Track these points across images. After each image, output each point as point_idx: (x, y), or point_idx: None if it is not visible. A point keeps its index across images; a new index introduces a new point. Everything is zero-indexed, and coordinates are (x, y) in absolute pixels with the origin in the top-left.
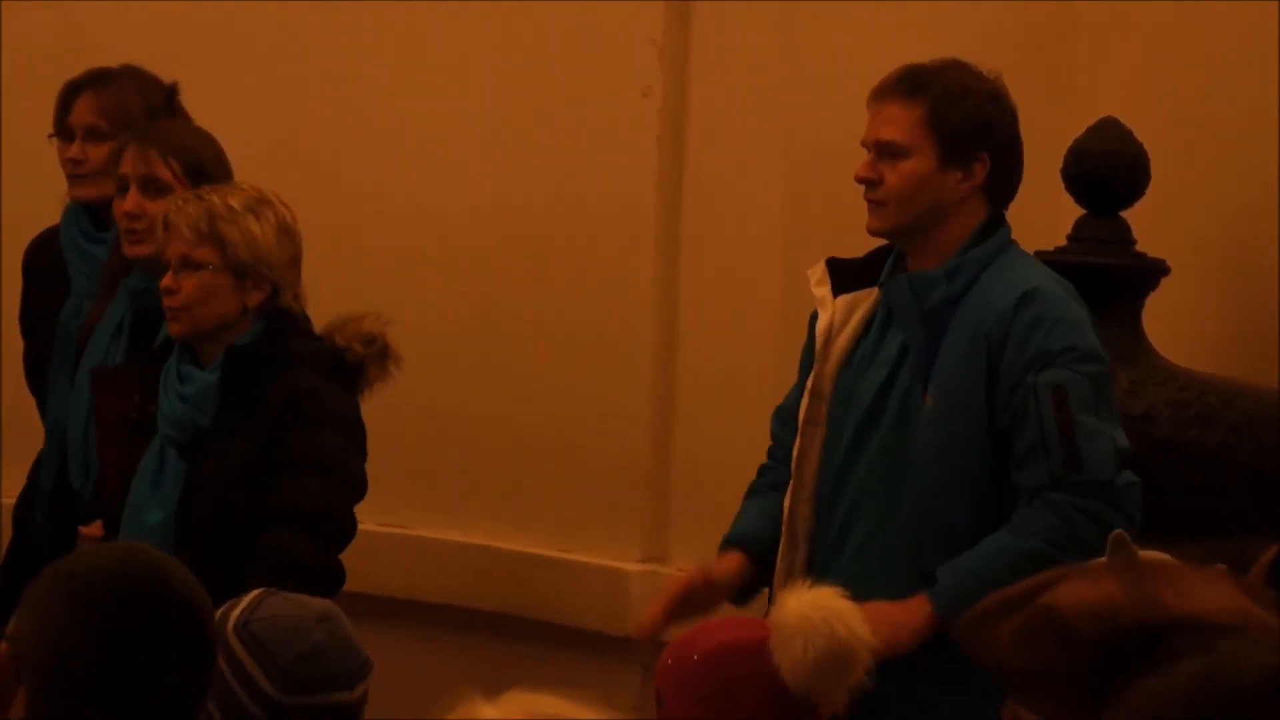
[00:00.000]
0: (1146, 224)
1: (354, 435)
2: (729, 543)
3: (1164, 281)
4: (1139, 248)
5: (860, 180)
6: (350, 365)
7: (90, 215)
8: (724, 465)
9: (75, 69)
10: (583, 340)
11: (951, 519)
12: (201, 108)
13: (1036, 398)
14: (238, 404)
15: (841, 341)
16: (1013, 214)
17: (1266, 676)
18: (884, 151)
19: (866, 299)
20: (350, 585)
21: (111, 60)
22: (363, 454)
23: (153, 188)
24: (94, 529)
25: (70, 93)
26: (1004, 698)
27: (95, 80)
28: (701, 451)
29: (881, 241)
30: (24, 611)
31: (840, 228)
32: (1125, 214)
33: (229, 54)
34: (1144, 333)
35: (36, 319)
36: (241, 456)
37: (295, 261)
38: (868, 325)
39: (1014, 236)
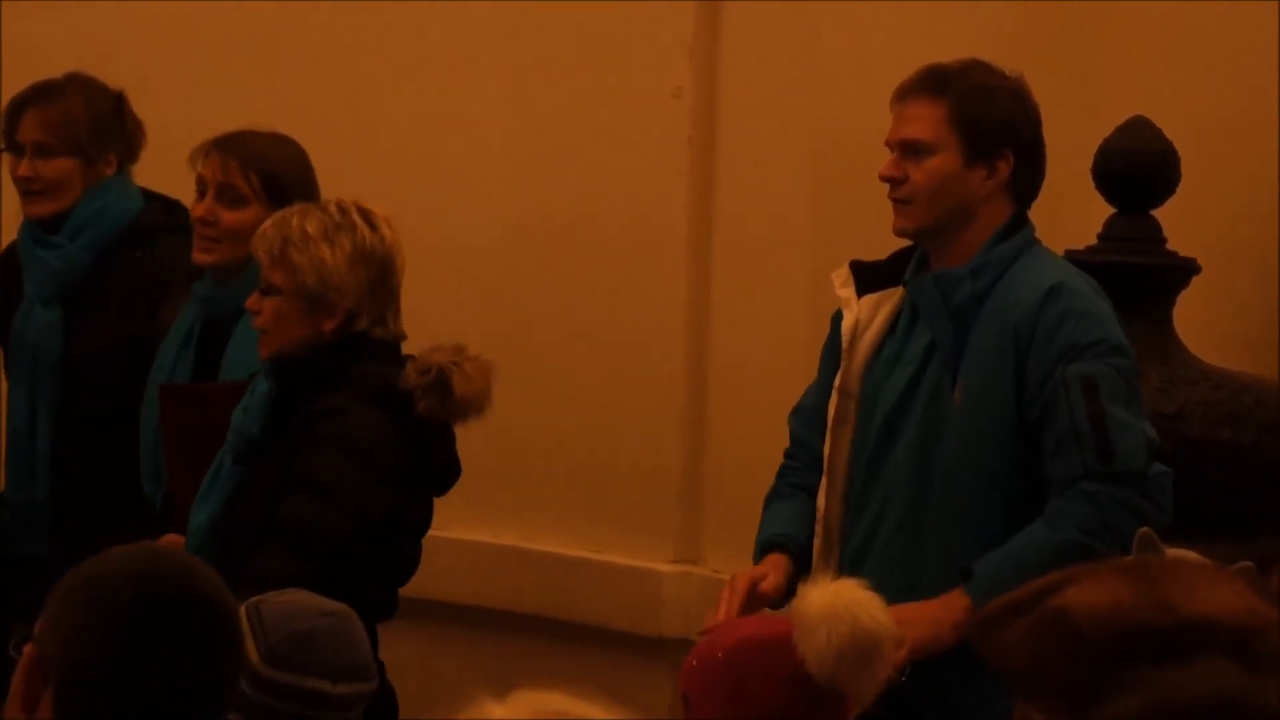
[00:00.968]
0: (1177, 223)
1: (367, 457)
2: (770, 545)
3: (1195, 280)
4: (1170, 246)
5: (885, 179)
6: (400, 393)
7: (44, 224)
8: (756, 466)
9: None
10: (615, 341)
11: (981, 513)
12: (225, 117)
13: (1067, 390)
14: (285, 418)
15: (867, 340)
16: (1043, 213)
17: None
18: (908, 150)
19: (891, 298)
20: None
21: (124, 62)
22: (385, 477)
23: (229, 197)
24: (171, 539)
25: (15, 109)
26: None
27: (40, 95)
28: (733, 452)
29: (905, 242)
30: (48, 613)
31: (869, 228)
32: (1156, 213)
33: (251, 62)
34: (1175, 332)
35: (5, 328)
36: (270, 471)
37: (377, 285)
38: (893, 324)
39: (1045, 235)
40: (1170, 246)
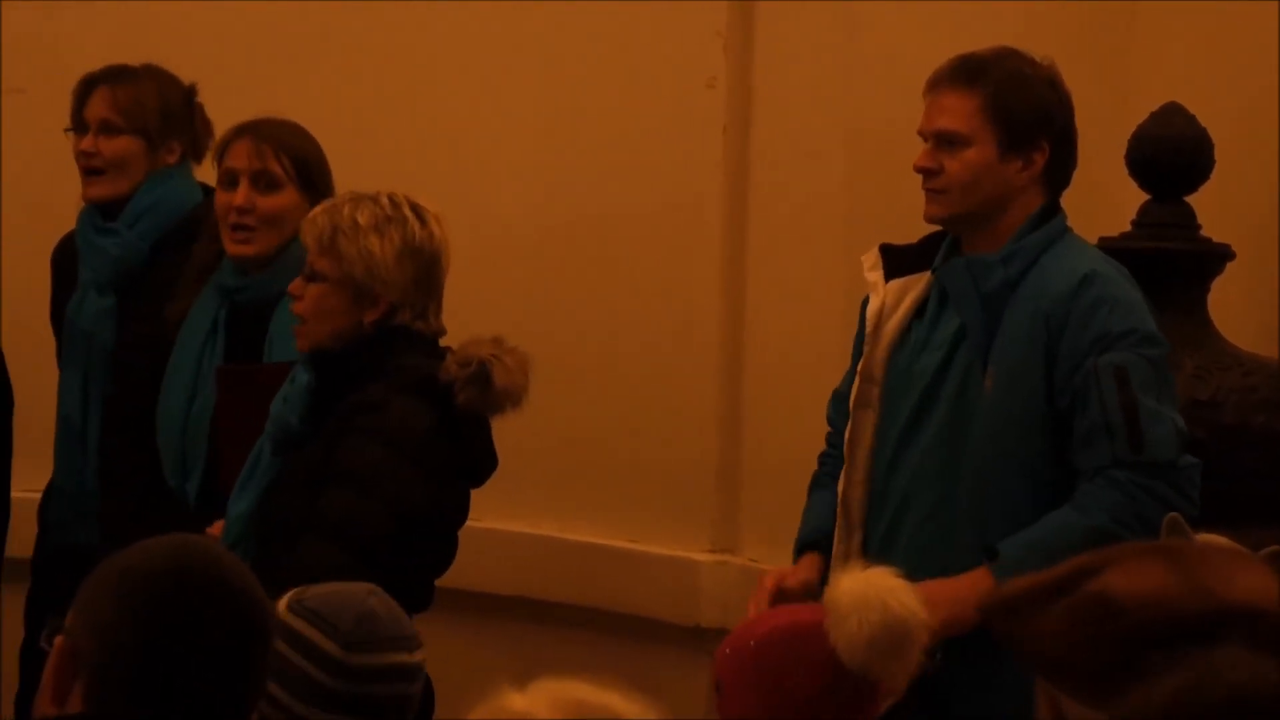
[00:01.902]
0: (1211, 209)
1: (409, 451)
2: (805, 544)
3: (1229, 267)
4: (1203, 233)
5: (919, 170)
6: (441, 385)
7: (101, 210)
8: (792, 455)
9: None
10: (651, 331)
11: (1011, 501)
12: (254, 113)
13: (1098, 379)
14: (325, 409)
15: (892, 325)
16: (1077, 200)
17: (1244, 695)
18: (943, 141)
19: (918, 283)
20: None
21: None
22: (425, 470)
23: (265, 183)
24: (215, 529)
25: (86, 86)
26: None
27: (113, 75)
28: (770, 441)
29: (934, 227)
30: (79, 605)
31: (903, 216)
32: (1189, 199)
33: (278, 58)
34: (1209, 318)
35: (59, 317)
36: (309, 462)
37: (422, 281)
38: (920, 309)
39: (1079, 223)
40: (1204, 233)
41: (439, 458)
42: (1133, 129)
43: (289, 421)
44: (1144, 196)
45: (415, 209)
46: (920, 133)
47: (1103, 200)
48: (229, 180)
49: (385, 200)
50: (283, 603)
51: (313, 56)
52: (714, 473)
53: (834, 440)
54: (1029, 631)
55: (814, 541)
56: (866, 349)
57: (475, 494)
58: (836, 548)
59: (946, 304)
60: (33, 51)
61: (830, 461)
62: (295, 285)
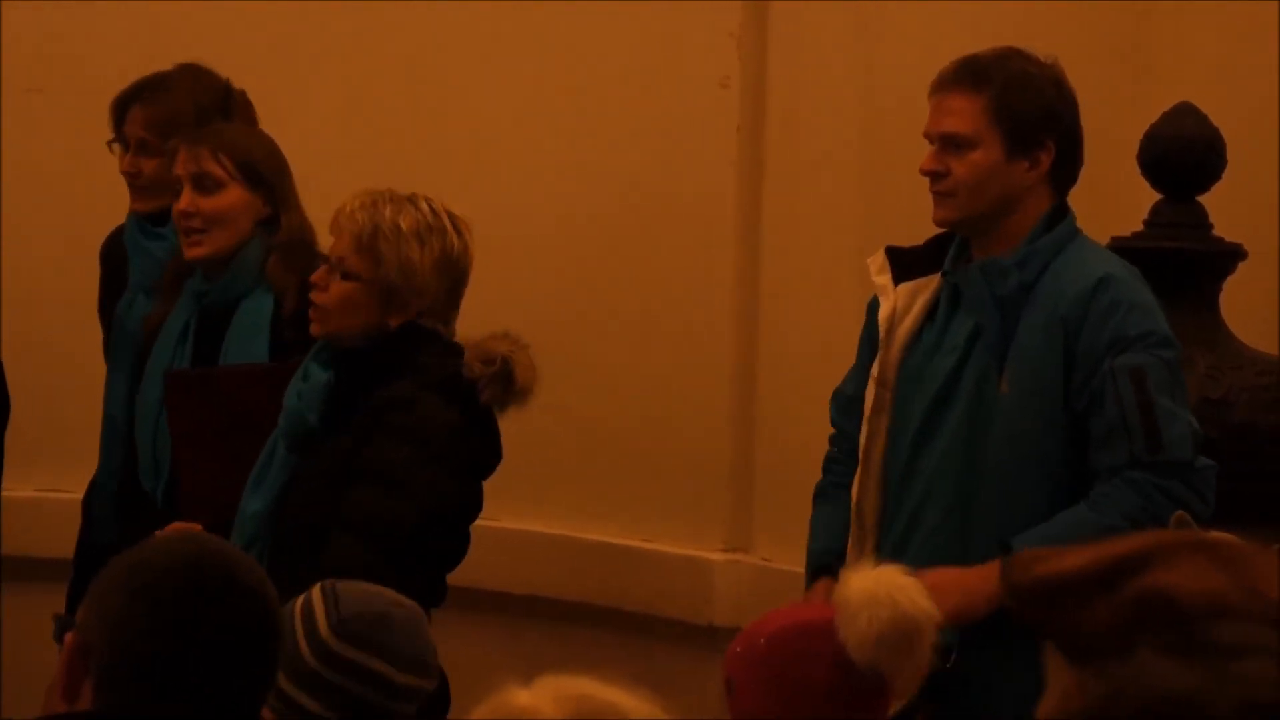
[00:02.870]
0: (1223, 208)
1: (437, 449)
2: (817, 569)
3: (1241, 266)
4: (1216, 232)
5: (926, 173)
6: (466, 383)
7: (150, 216)
8: (806, 454)
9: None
10: (665, 330)
11: (1030, 503)
12: (275, 111)
13: (1115, 380)
14: (347, 407)
15: (904, 328)
16: (1089, 200)
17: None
18: (949, 143)
19: (928, 286)
20: None
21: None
22: (452, 468)
23: (204, 185)
24: (176, 528)
25: (122, 104)
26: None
27: (146, 91)
28: (784, 440)
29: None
30: (90, 602)
31: (917, 215)
32: (1202, 198)
33: (300, 57)
34: (1222, 317)
35: (106, 312)
36: (333, 459)
37: (451, 292)
38: (931, 311)
39: (1091, 222)
40: (1216, 232)
41: (462, 455)
42: (1145, 129)
43: (306, 419)
44: (1156, 196)
45: (452, 219)
46: (926, 135)
47: (1115, 200)
48: (176, 190)
49: (425, 206)
50: (317, 585)
51: (332, 57)
52: (727, 472)
53: (839, 443)
54: (1074, 622)
55: (826, 565)
56: (880, 354)
57: (490, 493)
58: (850, 551)
59: (958, 306)
60: (49, 51)
61: (836, 469)
62: (319, 275)
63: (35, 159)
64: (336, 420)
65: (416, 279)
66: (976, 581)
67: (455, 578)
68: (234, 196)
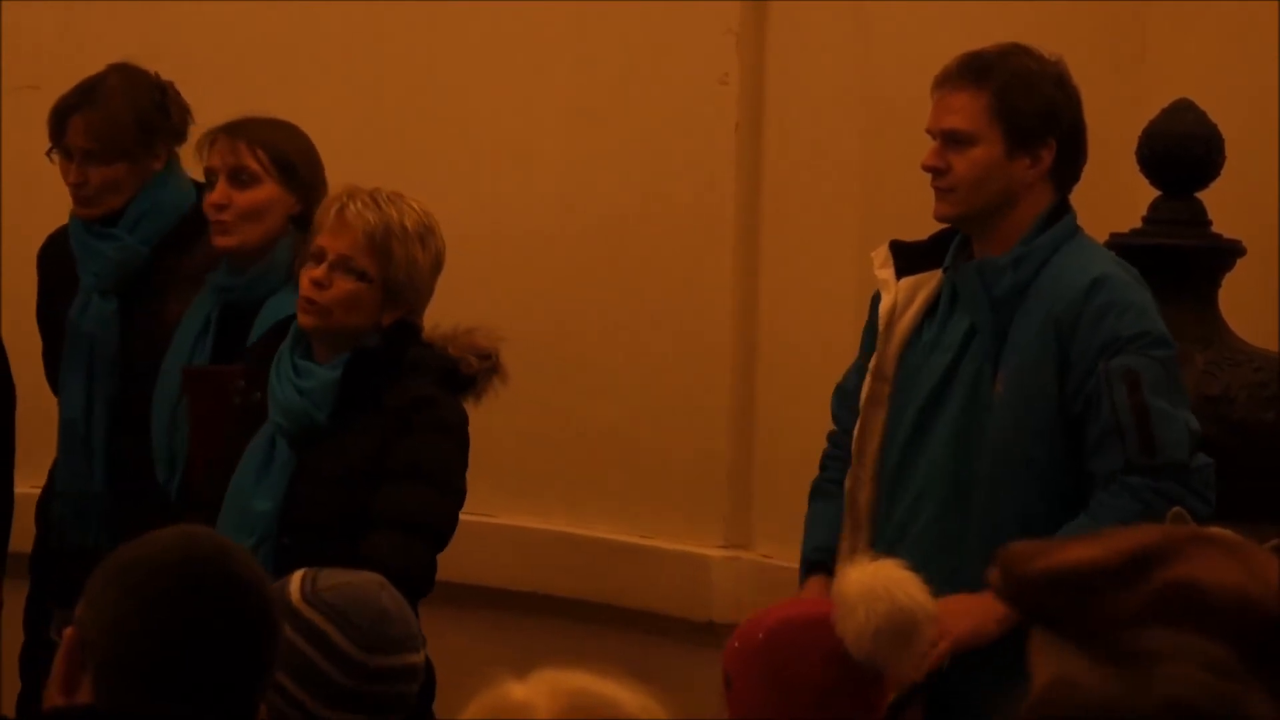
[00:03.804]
0: (1222, 205)
1: (464, 445)
2: (811, 564)
3: (1240, 262)
4: (1215, 229)
5: (927, 169)
6: (463, 377)
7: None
8: (805, 451)
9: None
10: (663, 327)
11: (1022, 505)
12: (276, 110)
13: (1109, 383)
14: (355, 404)
15: (905, 323)
16: (1088, 196)
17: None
18: (950, 140)
19: (930, 281)
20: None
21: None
22: (466, 462)
23: (240, 178)
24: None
25: (60, 114)
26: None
27: (83, 99)
28: (783, 438)
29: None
30: (88, 597)
31: (917, 212)
32: (1200, 195)
33: (295, 57)
34: (1220, 314)
35: (50, 318)
36: (354, 457)
37: (433, 290)
38: (931, 308)
39: (1090, 219)
40: (1215, 229)
41: (468, 447)
42: (1144, 125)
43: (314, 417)
44: (1155, 192)
45: (432, 218)
46: (928, 131)
47: (1114, 196)
48: (209, 181)
49: (416, 205)
50: (294, 588)
51: (329, 56)
52: (726, 468)
53: (837, 440)
54: (1095, 613)
55: (820, 562)
56: (879, 347)
57: (488, 489)
58: (844, 544)
59: (958, 304)
60: (45, 48)
61: (833, 466)
62: (320, 273)
63: (32, 156)
64: (343, 417)
65: (418, 279)
66: (984, 605)
67: (455, 573)
68: (268, 192)
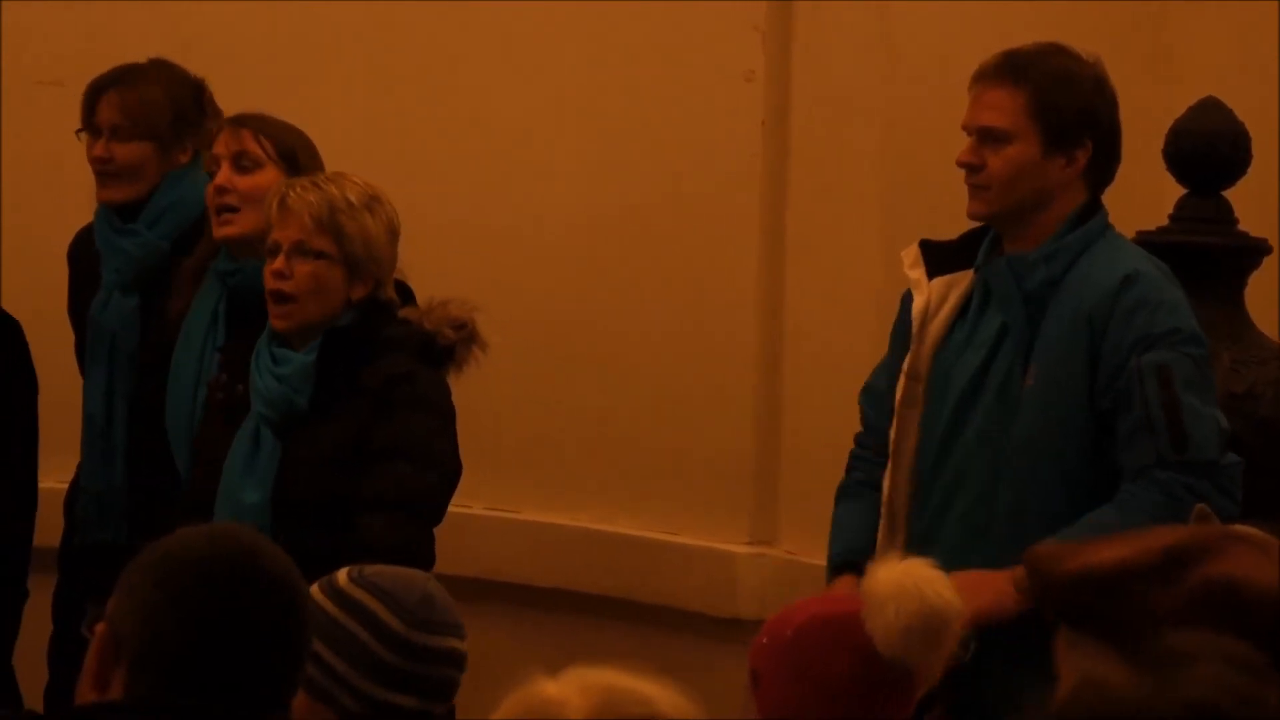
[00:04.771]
0: (1248, 203)
1: (446, 419)
2: (839, 565)
3: (1266, 260)
4: (1241, 227)
5: (962, 165)
6: (440, 349)
7: (119, 211)
8: (830, 448)
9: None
10: (689, 323)
11: (1052, 500)
12: (296, 108)
13: (1141, 379)
14: (333, 386)
15: (938, 323)
16: (1115, 194)
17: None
18: (986, 137)
19: (962, 281)
20: (459, 569)
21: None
22: (453, 437)
23: (243, 163)
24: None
25: (95, 91)
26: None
27: (121, 79)
28: (808, 434)
29: (976, 222)
30: (120, 592)
31: (941, 209)
32: (1227, 193)
33: (321, 52)
34: (1246, 311)
35: (80, 313)
36: (337, 439)
37: (394, 258)
38: (964, 307)
39: (1116, 216)
40: (1241, 227)
41: (453, 419)
42: (1171, 123)
43: (295, 403)
44: (1181, 190)
45: (376, 188)
46: (964, 127)
47: (1140, 194)
48: (212, 171)
49: (358, 179)
50: (342, 574)
51: (357, 52)
52: (752, 465)
53: (865, 441)
54: (1129, 611)
55: (849, 563)
56: (912, 347)
57: (513, 486)
58: (880, 547)
59: (989, 302)
60: (70, 44)
61: (861, 466)
62: (279, 265)
63: (52, 151)
64: (323, 400)
65: (376, 249)
66: (1004, 582)
67: (481, 569)
68: (270, 178)
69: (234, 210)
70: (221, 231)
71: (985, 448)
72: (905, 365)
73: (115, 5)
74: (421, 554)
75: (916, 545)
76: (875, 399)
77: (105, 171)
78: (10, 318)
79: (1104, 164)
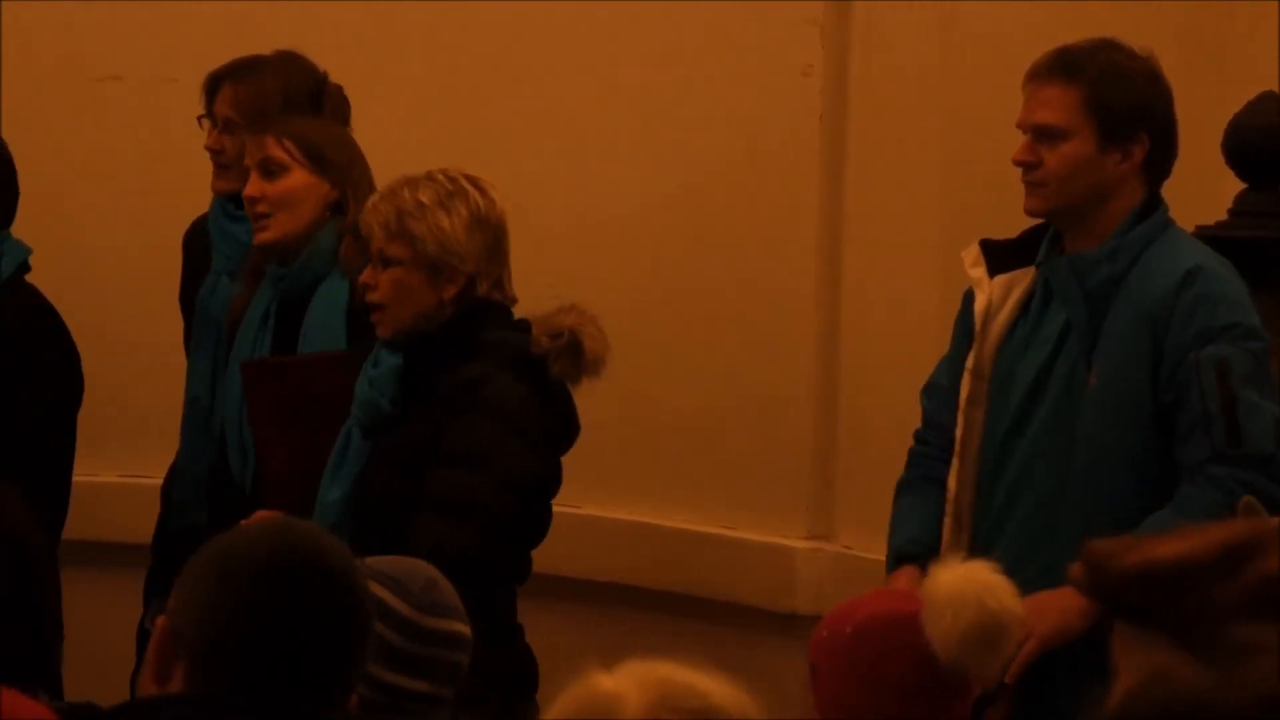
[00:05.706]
0: None
1: (515, 425)
2: (900, 556)
3: None
4: None
5: (1018, 163)
6: (533, 358)
7: (233, 199)
8: (888, 441)
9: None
10: (747, 318)
11: (1117, 497)
12: (357, 104)
13: (1199, 373)
14: (418, 390)
15: (1000, 321)
16: (1174, 189)
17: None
18: (1042, 134)
19: (1023, 279)
20: None
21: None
22: (531, 444)
23: (269, 169)
24: (261, 516)
25: (214, 82)
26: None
27: (238, 71)
28: (866, 428)
29: (1036, 220)
30: (180, 587)
31: (1000, 205)
32: None
33: (387, 47)
34: None
35: (191, 300)
36: (413, 443)
37: (493, 249)
38: (1025, 304)
39: (1175, 211)
40: None
41: (537, 429)
42: (1229, 118)
43: (379, 405)
44: (1240, 185)
45: (471, 180)
46: (1019, 125)
47: (1200, 189)
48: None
49: (441, 177)
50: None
51: (414, 49)
52: (810, 460)
53: (926, 437)
54: (1190, 606)
55: (910, 554)
56: (975, 346)
57: (572, 480)
58: (946, 546)
59: (1051, 300)
60: (129, 38)
61: (922, 462)
62: (366, 275)
63: (112, 146)
64: (409, 404)
65: (453, 244)
66: (1069, 600)
67: (540, 564)
68: (298, 179)
69: (268, 216)
70: (260, 238)
71: (1049, 446)
72: (970, 364)
73: (175, 6)
74: (463, 558)
75: (981, 544)
76: (937, 396)
77: (218, 162)
78: (50, 309)
79: (1161, 158)
